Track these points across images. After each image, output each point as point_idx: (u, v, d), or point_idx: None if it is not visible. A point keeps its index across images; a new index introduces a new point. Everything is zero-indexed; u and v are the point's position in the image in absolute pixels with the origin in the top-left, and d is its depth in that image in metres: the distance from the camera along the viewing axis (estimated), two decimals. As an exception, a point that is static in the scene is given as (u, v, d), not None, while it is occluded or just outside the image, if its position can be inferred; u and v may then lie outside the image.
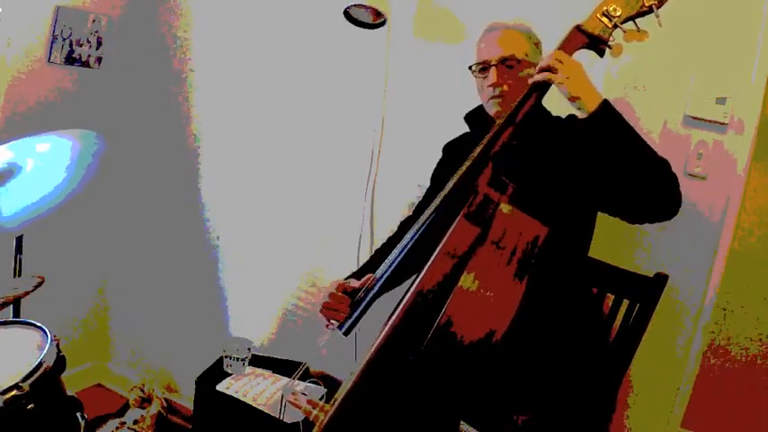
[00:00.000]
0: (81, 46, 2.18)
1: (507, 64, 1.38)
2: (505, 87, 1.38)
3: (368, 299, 1.32)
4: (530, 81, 1.22)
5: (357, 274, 1.48)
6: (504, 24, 1.44)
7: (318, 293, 2.10)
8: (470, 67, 1.46)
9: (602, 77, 1.61)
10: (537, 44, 1.44)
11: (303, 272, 2.13)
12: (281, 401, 1.71)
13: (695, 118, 1.57)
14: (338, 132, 2.02)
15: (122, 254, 2.53)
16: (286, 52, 2.09)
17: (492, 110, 1.42)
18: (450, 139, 1.65)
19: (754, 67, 1.50)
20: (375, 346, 1.11)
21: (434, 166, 1.66)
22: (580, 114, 1.21)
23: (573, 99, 1.20)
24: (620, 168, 1.21)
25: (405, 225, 1.59)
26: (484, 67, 1.42)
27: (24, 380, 1.22)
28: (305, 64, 2.06)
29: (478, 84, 1.46)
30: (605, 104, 1.18)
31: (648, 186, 1.21)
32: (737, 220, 1.58)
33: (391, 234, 1.63)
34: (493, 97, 1.41)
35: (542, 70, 1.20)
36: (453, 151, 1.61)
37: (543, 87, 1.22)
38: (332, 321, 1.39)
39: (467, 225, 1.08)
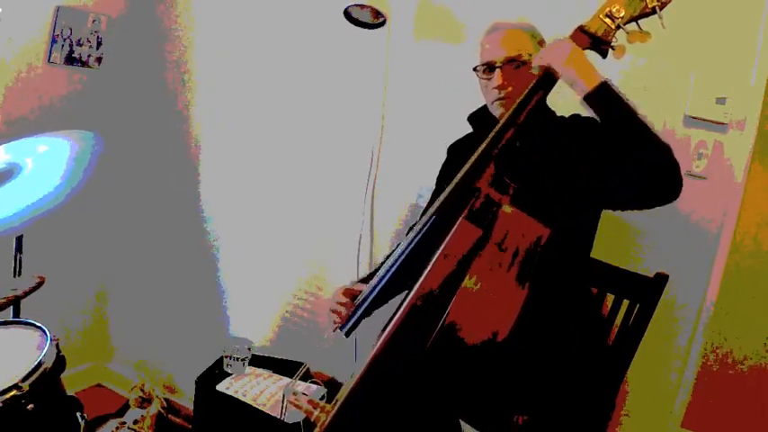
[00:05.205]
0: (81, 46, 2.18)
1: (513, 65, 1.37)
2: (510, 89, 1.36)
3: (369, 300, 1.32)
4: (533, 63, 1.26)
5: (366, 280, 1.47)
6: (507, 24, 1.42)
7: (318, 293, 2.10)
8: (475, 69, 1.43)
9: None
10: (541, 42, 1.42)
11: (303, 272, 2.13)
12: (282, 402, 1.71)
13: (695, 118, 1.57)
14: (338, 132, 2.02)
15: (123, 254, 2.53)
16: (286, 52, 2.08)
17: (497, 111, 1.41)
18: (454, 140, 1.64)
19: (754, 68, 1.51)
20: (378, 346, 1.10)
21: (434, 165, 1.65)
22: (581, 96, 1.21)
23: (574, 82, 1.21)
24: (621, 145, 1.20)
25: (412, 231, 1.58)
26: (489, 68, 1.40)
27: (24, 380, 1.22)
28: (305, 64, 2.06)
29: (483, 85, 1.43)
30: (604, 85, 1.19)
31: (650, 164, 1.19)
32: (737, 220, 1.58)
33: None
34: (498, 99, 1.39)
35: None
36: (458, 152, 1.60)
37: (548, 83, 1.22)
38: (336, 323, 1.39)
39: (469, 226, 1.08)
